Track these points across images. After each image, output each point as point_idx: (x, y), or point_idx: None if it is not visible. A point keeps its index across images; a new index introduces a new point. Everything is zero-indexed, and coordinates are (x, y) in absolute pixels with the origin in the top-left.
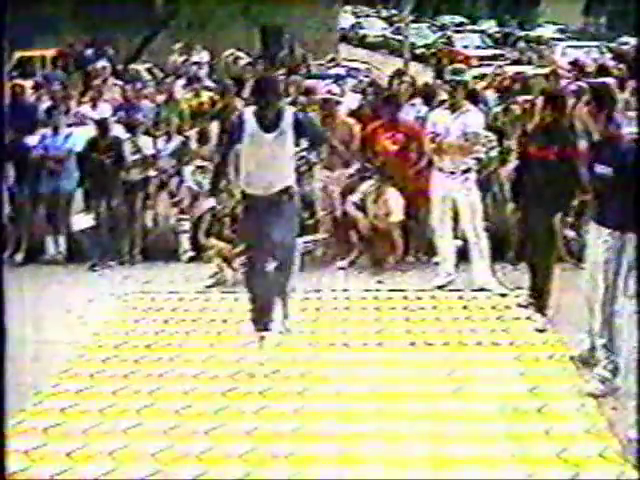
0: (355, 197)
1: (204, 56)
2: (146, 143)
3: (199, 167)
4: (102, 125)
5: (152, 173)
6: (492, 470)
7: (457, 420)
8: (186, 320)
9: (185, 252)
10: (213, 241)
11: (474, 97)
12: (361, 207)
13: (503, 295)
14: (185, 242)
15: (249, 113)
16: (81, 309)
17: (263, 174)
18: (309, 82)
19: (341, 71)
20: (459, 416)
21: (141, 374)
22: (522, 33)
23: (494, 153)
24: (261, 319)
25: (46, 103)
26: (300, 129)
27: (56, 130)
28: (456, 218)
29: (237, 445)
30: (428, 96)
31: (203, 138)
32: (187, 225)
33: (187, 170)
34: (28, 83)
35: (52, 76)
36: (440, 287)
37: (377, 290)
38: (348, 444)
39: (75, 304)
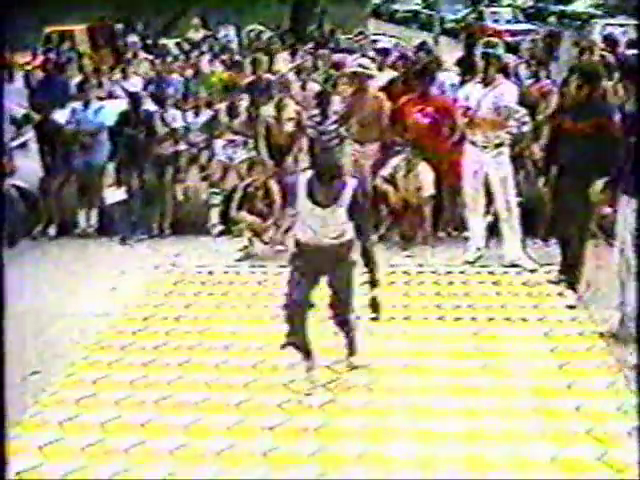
0: (386, 171)
1: (231, 31)
2: (176, 117)
3: (230, 141)
4: (134, 98)
5: (182, 147)
6: (521, 446)
7: (486, 395)
8: (215, 294)
9: (215, 226)
10: (244, 215)
11: (506, 71)
12: (391, 181)
13: (533, 271)
14: (215, 216)
15: (303, 182)
16: (112, 282)
17: (316, 235)
18: (338, 56)
19: (388, 44)
20: (488, 391)
21: (171, 346)
22: (557, 8)
23: (526, 128)
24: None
25: (77, 78)
26: (355, 207)
27: (87, 104)
28: (488, 193)
29: (267, 418)
30: (461, 69)
31: (233, 111)
32: (218, 199)
33: (218, 144)
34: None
35: (62, 52)
36: (470, 262)
37: (406, 265)
38: (375, 419)
39: (106, 277)
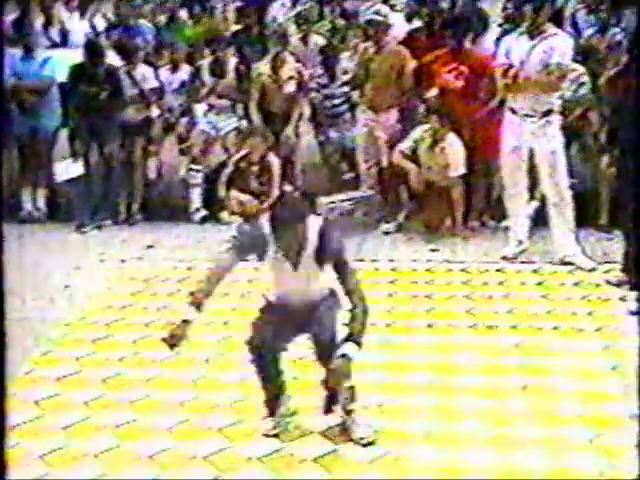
0: (406, 145)
1: None
2: (146, 74)
3: (213, 106)
4: (92, 47)
5: (155, 112)
6: None
7: (527, 424)
8: None
9: (197, 210)
10: (235, 194)
11: (559, 19)
12: (413, 157)
13: (590, 270)
14: (197, 198)
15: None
16: (65, 279)
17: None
18: (349, 2)
19: None
20: (529, 418)
21: (136, 359)
22: None
23: (584, 90)
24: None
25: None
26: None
27: (30, 52)
28: (533, 173)
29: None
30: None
31: (218, 69)
32: (199, 177)
33: (199, 109)
34: None
35: None
36: (509, 258)
37: (430, 260)
38: (395, 445)
39: (58, 273)
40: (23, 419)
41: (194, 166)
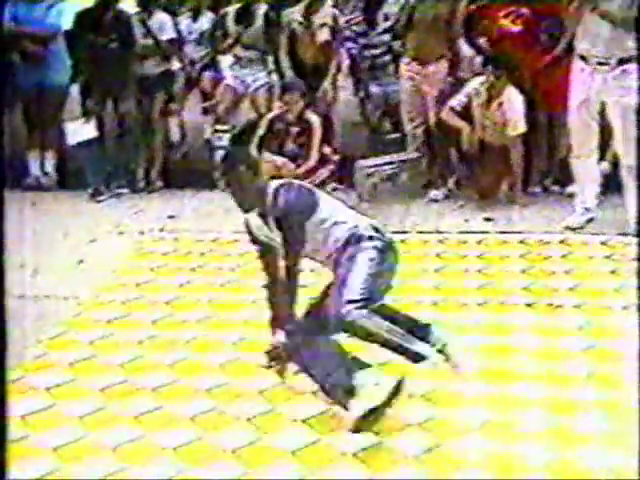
0: (457, 100)
1: None
2: (164, 23)
3: (240, 58)
4: None
5: (176, 65)
6: None
7: (593, 416)
8: (221, 268)
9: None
10: (270, 156)
11: None
12: (465, 114)
13: None
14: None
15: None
16: (79, 253)
17: None
18: None
19: None
20: (597, 410)
21: (159, 340)
22: None
23: None
24: None
25: None
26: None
27: None
28: (604, 131)
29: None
30: None
31: (245, 16)
32: (226, 139)
33: (224, 61)
34: None
35: None
36: (574, 229)
37: (484, 231)
38: (446, 437)
39: (70, 247)
40: (33, 408)
41: (220, 126)
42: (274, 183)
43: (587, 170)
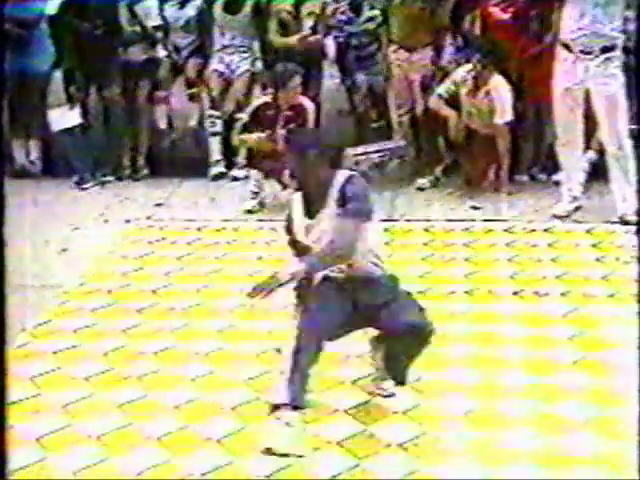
0: (444, 88)
1: None
2: (150, 9)
3: (226, 46)
4: None
5: (162, 52)
6: None
7: (579, 404)
8: (208, 257)
9: (217, 162)
10: (246, 136)
11: None
12: (452, 102)
13: None
14: (217, 149)
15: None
16: (63, 241)
17: None
18: None
19: None
20: (583, 398)
21: (144, 329)
22: None
23: None
24: None
25: None
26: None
27: None
28: (589, 119)
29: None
30: None
31: (233, 5)
32: (219, 124)
33: (210, 49)
34: None
35: None
36: (561, 217)
37: (471, 220)
38: (431, 425)
39: (55, 235)
40: (18, 397)
41: (213, 112)
42: (342, 173)
43: (573, 158)
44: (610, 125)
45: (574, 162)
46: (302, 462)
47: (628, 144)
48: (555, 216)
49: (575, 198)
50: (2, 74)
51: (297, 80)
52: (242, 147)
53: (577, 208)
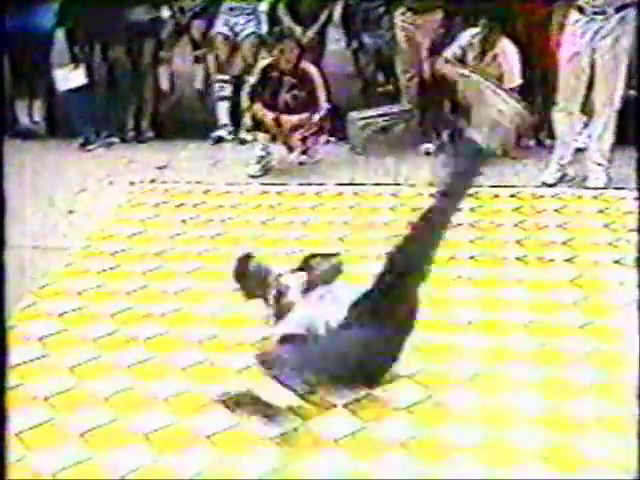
0: (451, 52)
1: None
2: None
3: (232, 9)
4: None
5: (165, 13)
6: None
7: (585, 368)
8: (213, 220)
9: (224, 127)
10: (258, 106)
11: None
12: (460, 66)
13: (603, 187)
14: (225, 113)
15: None
16: (68, 203)
17: None
18: None
19: None
20: (589, 363)
21: (149, 291)
22: None
23: None
24: None
25: None
26: None
27: None
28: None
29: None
30: None
31: None
32: (228, 88)
33: (216, 10)
34: None
35: None
36: (550, 185)
37: (477, 185)
38: (436, 389)
39: (60, 196)
40: (27, 357)
41: (221, 76)
42: None
43: (570, 125)
44: (606, 82)
45: (570, 129)
46: (308, 425)
47: (617, 103)
48: (545, 184)
49: (562, 166)
50: (3, 31)
51: (293, 42)
52: (249, 112)
53: (564, 176)
